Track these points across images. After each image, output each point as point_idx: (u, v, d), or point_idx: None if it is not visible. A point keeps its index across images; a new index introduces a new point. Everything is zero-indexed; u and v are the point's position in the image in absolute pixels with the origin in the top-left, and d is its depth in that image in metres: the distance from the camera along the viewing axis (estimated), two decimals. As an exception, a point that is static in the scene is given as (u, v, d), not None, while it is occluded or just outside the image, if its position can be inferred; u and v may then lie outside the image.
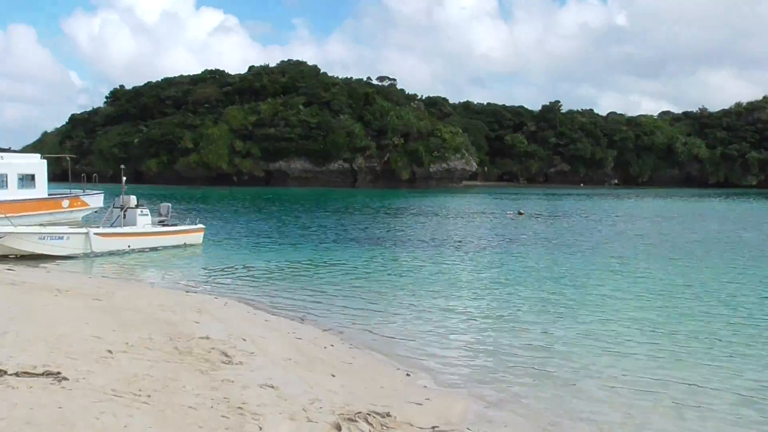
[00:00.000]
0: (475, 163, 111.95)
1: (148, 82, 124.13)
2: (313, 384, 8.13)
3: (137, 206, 23.59)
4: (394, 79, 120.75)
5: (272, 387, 7.73)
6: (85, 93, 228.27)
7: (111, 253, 21.60)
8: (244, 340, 10.13)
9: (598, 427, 7.72)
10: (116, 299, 13.13)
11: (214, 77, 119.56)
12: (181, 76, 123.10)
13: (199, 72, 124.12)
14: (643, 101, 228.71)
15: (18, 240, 19.82)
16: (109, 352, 8.50)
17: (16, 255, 19.84)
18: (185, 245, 24.13)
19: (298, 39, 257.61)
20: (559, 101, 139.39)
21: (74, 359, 7.92)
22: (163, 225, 24.51)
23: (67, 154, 54.82)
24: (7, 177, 29.58)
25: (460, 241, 27.94)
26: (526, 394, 8.73)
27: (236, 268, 19.70)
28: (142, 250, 22.54)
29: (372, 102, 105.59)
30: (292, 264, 20.58)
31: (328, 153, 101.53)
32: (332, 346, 10.72)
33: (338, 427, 6.58)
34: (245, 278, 18.06)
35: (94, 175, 48.06)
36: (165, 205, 25.83)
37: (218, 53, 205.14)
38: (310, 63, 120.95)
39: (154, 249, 22.96)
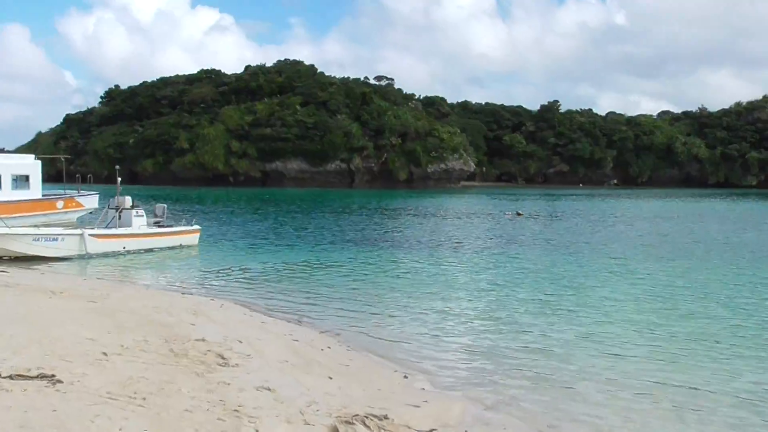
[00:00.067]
0: (473, 164, 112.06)
1: (144, 82, 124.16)
2: (310, 386, 8.08)
3: (132, 207, 23.48)
4: (392, 79, 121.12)
5: (269, 389, 7.70)
6: (80, 93, 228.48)
7: (106, 255, 21.50)
8: (241, 342, 10.08)
9: (596, 430, 7.67)
10: (111, 301, 13.06)
11: (210, 77, 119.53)
12: (177, 76, 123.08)
13: (195, 71, 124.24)
14: (643, 101, 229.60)
15: (12, 241, 19.72)
16: (104, 354, 8.45)
17: (10, 256, 19.74)
18: (181, 246, 24.06)
19: (295, 38, 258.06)
20: (557, 101, 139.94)
21: (69, 362, 7.88)
22: (159, 226, 24.41)
23: (62, 154, 54.69)
24: (0, 178, 29.43)
25: (458, 243, 27.92)
26: (524, 397, 8.68)
27: (232, 270, 19.63)
28: (137, 252, 22.44)
29: (369, 102, 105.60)
30: (289, 265, 20.52)
31: (325, 153, 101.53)
32: (329, 348, 10.67)
33: (335, 430, 6.55)
34: (241, 280, 18.00)
35: (89, 175, 47.89)
36: (161, 206, 25.73)
37: (214, 52, 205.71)
38: (306, 62, 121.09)
39: (149, 250, 22.87)
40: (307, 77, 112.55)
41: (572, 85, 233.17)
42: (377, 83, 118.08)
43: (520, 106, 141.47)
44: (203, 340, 9.90)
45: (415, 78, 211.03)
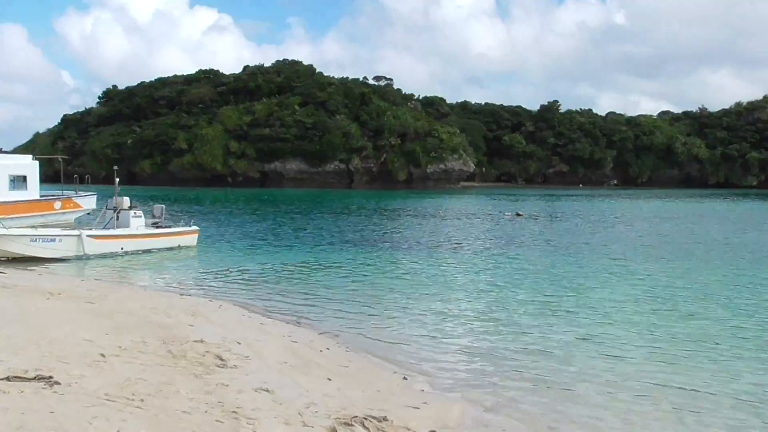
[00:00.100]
0: (472, 164, 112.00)
1: (142, 82, 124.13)
2: (308, 388, 8.05)
3: (130, 208, 23.43)
4: (391, 79, 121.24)
5: (267, 391, 7.67)
6: (78, 93, 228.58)
7: (104, 256, 21.44)
8: (239, 343, 10.05)
9: (596, 432, 7.65)
10: (109, 302, 13.02)
11: (208, 77, 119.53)
12: (175, 76, 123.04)
13: (193, 72, 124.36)
14: (643, 101, 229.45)
15: (9, 242, 19.67)
16: (102, 355, 8.42)
17: (7, 257, 19.69)
18: (179, 247, 24.00)
19: (294, 38, 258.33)
20: (557, 101, 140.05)
21: (66, 363, 7.85)
22: (157, 227, 24.35)
23: (60, 155, 54.62)
24: None
25: (457, 243, 27.89)
26: (524, 399, 8.65)
27: (231, 271, 19.59)
28: (135, 253, 22.39)
29: (368, 102, 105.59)
30: (288, 266, 20.48)
31: (323, 154, 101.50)
32: (328, 349, 10.64)
33: (334, 432, 6.51)
34: (240, 281, 17.96)
35: (87, 176, 47.91)
36: (159, 207, 25.67)
37: (212, 53, 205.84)
38: (305, 62, 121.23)
39: (147, 251, 22.83)
40: (306, 77, 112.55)
41: (572, 85, 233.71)
42: (376, 83, 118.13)
43: (519, 106, 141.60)
44: (201, 341, 9.86)
45: (415, 78, 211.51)
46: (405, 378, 9.30)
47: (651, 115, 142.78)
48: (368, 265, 21.06)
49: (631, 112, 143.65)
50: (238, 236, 29.61)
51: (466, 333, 12.25)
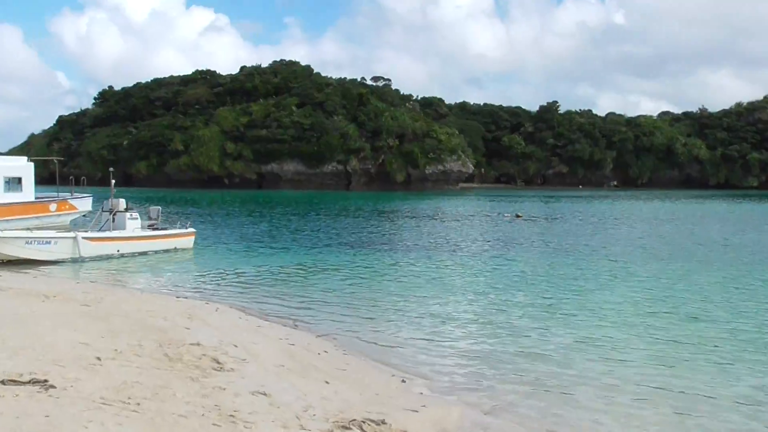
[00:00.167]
0: (471, 165, 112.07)
1: (138, 83, 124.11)
2: (306, 391, 8.00)
3: (126, 210, 23.34)
4: (389, 80, 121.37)
5: (264, 394, 7.62)
6: (73, 94, 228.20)
7: (100, 258, 21.37)
8: (236, 346, 9.98)
9: (596, 436, 7.61)
10: (105, 305, 12.95)
11: (204, 78, 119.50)
12: (171, 77, 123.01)
13: (190, 72, 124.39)
14: (643, 101, 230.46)
15: (4, 245, 19.58)
16: (98, 359, 8.36)
17: (2, 260, 19.60)
18: (176, 250, 23.94)
19: (291, 38, 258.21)
20: (556, 101, 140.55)
21: (62, 366, 7.79)
22: (153, 229, 24.29)
23: (55, 156, 54.50)
24: None
25: (456, 245, 27.85)
26: (523, 402, 8.61)
27: (227, 273, 19.52)
28: (131, 255, 22.32)
29: (366, 103, 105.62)
30: (285, 269, 20.42)
31: (321, 155, 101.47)
32: (326, 352, 10.59)
33: (333, 437, 6.46)
34: (237, 283, 17.89)
35: (83, 178, 47.83)
36: (155, 209, 25.62)
37: (209, 53, 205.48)
38: (302, 63, 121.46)
39: (143, 253, 22.75)
40: (303, 78, 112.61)
41: (571, 85, 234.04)
42: (374, 84, 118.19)
43: (518, 107, 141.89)
44: (198, 344, 9.80)
45: (413, 78, 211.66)
46: (403, 381, 9.25)
47: (651, 116, 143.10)
48: (366, 267, 21.02)
49: (631, 113, 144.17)
50: (234, 238, 29.55)
51: (464, 336, 12.21)
